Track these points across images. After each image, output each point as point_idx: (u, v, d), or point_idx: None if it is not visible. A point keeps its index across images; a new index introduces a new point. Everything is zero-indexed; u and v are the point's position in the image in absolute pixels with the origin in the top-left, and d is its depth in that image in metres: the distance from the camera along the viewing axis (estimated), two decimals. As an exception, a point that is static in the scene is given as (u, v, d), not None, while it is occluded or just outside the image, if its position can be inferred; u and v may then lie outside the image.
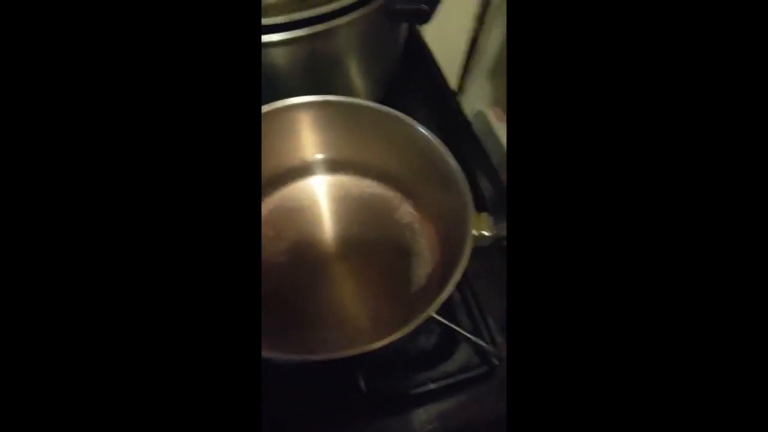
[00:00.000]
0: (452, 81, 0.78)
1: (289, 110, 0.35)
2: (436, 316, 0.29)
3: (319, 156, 0.39)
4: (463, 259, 0.28)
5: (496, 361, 0.35)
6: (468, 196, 0.31)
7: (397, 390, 0.34)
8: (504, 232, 0.31)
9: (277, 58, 0.36)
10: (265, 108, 0.34)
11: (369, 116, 0.36)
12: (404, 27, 0.44)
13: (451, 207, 0.34)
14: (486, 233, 0.30)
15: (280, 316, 0.34)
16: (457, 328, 0.33)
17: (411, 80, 0.52)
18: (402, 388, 0.34)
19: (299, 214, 0.38)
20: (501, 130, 0.70)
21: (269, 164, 0.38)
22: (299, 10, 0.34)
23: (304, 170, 0.39)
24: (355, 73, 0.42)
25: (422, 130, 0.34)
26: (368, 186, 0.39)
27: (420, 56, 0.57)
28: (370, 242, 0.37)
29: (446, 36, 0.65)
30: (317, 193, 0.39)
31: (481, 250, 0.30)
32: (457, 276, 0.27)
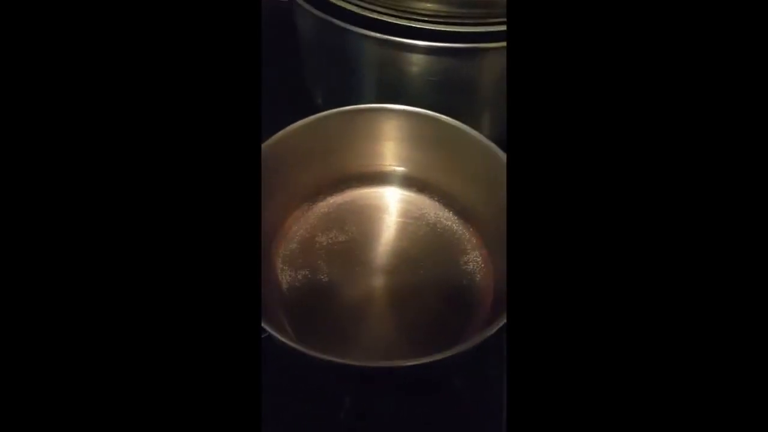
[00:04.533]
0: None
1: (387, 115, 0.36)
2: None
3: (409, 171, 0.38)
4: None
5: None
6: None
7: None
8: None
9: (408, 65, 0.36)
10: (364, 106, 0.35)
11: (474, 149, 0.34)
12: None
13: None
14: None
15: (307, 298, 0.33)
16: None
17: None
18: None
19: (368, 216, 0.37)
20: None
21: (361, 161, 0.38)
22: (450, 23, 0.33)
23: (388, 179, 0.38)
24: (482, 104, 0.40)
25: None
26: (447, 218, 0.37)
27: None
28: (423, 273, 0.35)
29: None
30: (395, 204, 0.38)
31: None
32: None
